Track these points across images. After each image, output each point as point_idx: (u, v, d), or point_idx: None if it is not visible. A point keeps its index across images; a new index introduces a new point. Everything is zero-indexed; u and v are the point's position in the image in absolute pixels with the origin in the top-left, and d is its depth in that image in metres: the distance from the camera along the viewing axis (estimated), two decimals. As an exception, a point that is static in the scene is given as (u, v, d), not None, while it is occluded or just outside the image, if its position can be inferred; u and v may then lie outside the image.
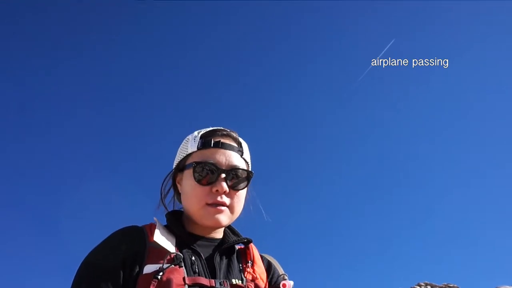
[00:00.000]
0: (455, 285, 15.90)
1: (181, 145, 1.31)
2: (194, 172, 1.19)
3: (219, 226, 1.23)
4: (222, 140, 1.24)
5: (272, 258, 1.37)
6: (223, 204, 1.20)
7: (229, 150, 1.24)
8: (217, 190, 1.18)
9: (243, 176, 1.24)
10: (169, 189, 1.35)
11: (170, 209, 1.34)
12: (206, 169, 1.19)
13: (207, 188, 1.19)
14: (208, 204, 1.19)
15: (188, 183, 1.22)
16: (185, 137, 1.31)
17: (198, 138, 1.25)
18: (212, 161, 1.20)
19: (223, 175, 1.19)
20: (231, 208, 1.22)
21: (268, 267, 1.33)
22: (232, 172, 1.21)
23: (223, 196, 1.20)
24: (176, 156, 1.32)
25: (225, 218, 1.20)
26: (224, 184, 1.19)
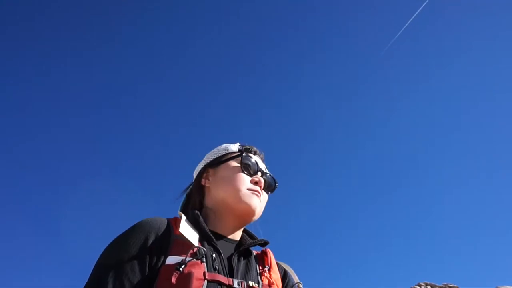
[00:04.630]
0: (455, 285, 15.91)
1: (217, 148, 1.42)
2: (242, 159, 1.34)
3: (252, 211, 1.28)
4: (258, 153, 1.43)
5: (288, 266, 1.38)
6: (260, 194, 1.31)
7: (262, 161, 1.43)
8: (256, 182, 1.31)
9: (273, 182, 1.41)
10: (190, 185, 1.41)
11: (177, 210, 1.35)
12: (252, 162, 1.35)
13: (248, 177, 1.32)
14: (248, 190, 1.29)
15: (230, 170, 1.33)
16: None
17: (238, 146, 1.40)
18: (255, 159, 1.37)
19: (260, 173, 1.36)
20: (261, 203, 1.32)
21: (284, 275, 1.34)
22: (267, 175, 1.39)
23: (259, 189, 1.32)
24: (210, 154, 1.42)
25: (258, 204, 1.30)
26: (263, 179, 1.34)
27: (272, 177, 1.40)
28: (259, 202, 1.29)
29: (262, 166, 1.38)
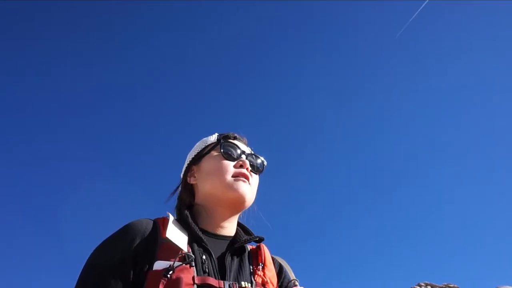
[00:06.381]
0: (455, 285, 15.87)
1: (197, 144, 1.38)
2: (221, 146, 1.30)
3: (241, 198, 1.24)
4: (238, 137, 1.39)
5: (284, 261, 1.35)
6: (247, 178, 1.26)
7: (246, 145, 1.39)
8: (241, 165, 1.27)
9: (260, 161, 1.36)
10: (177, 187, 1.38)
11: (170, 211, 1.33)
12: (232, 147, 1.31)
13: (231, 162, 1.28)
14: (233, 177, 1.25)
15: (212, 160, 1.30)
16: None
17: (216, 136, 1.36)
18: (235, 143, 1.33)
19: (244, 155, 1.32)
20: (251, 186, 1.28)
21: (280, 271, 1.31)
22: (252, 155, 1.35)
23: (246, 171, 1.28)
24: (191, 152, 1.38)
25: (248, 191, 1.25)
26: (247, 161, 1.30)
27: (258, 157, 1.37)
28: (248, 187, 1.25)
29: (245, 148, 1.35)
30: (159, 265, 1.04)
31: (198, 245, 1.14)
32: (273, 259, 1.31)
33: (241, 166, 1.27)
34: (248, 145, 1.40)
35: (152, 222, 1.16)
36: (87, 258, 1.11)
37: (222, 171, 1.25)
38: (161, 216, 1.20)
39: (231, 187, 1.23)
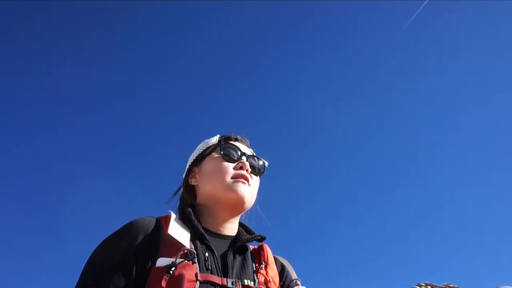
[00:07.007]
0: (455, 285, 15.88)
1: (199, 146, 1.40)
2: (221, 148, 1.31)
3: (240, 199, 1.25)
4: (240, 139, 1.40)
5: (286, 261, 1.35)
6: (246, 179, 1.27)
7: (247, 147, 1.40)
8: (241, 167, 1.28)
9: (261, 163, 1.37)
10: (179, 188, 1.38)
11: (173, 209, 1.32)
12: (232, 148, 1.32)
13: (231, 164, 1.29)
14: (233, 178, 1.26)
15: (213, 162, 1.31)
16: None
17: (217, 138, 1.37)
18: (235, 145, 1.34)
19: (245, 157, 1.32)
20: (251, 188, 1.29)
21: (281, 270, 1.31)
22: (253, 157, 1.36)
23: (246, 173, 1.29)
24: (193, 153, 1.39)
25: (248, 192, 1.26)
26: (247, 162, 1.30)
27: (259, 158, 1.38)
28: (247, 188, 1.26)
29: (245, 150, 1.35)
30: (161, 261, 1.05)
31: (200, 243, 1.15)
32: (275, 258, 1.31)
33: (241, 168, 1.28)
34: (250, 146, 1.41)
35: (154, 219, 1.17)
36: (88, 257, 1.11)
37: (221, 173, 1.26)
38: (163, 215, 1.21)
39: (230, 189, 1.24)
